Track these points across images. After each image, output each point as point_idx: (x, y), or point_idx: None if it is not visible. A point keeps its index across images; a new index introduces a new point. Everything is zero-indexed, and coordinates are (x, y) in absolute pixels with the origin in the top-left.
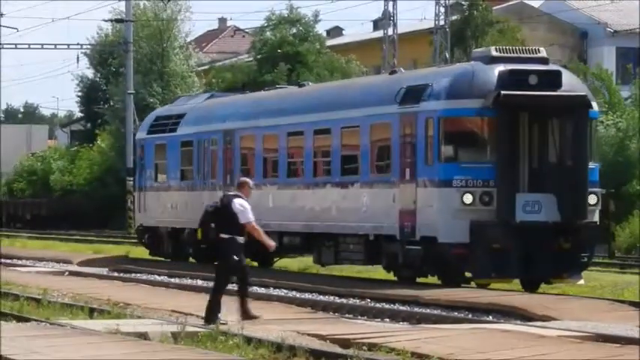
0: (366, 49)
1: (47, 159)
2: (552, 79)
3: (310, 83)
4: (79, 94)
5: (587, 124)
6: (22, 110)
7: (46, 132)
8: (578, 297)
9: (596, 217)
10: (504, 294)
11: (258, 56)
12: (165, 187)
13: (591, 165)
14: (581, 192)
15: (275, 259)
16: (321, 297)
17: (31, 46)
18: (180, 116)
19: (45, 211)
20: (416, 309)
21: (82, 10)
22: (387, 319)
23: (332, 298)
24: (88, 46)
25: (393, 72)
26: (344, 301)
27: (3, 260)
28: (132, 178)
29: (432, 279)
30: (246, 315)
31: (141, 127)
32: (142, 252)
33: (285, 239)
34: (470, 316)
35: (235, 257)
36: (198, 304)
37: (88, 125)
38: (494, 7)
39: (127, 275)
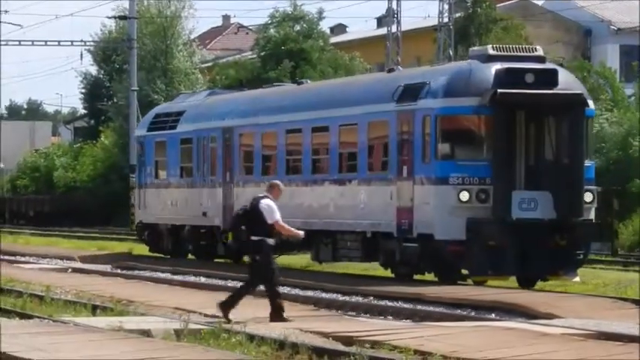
0: (370, 46)
1: (50, 155)
2: (549, 78)
3: (309, 81)
4: (83, 90)
5: (583, 122)
6: (25, 107)
7: (50, 128)
8: (581, 295)
9: (592, 215)
10: (507, 292)
11: (262, 53)
12: (165, 184)
13: (587, 163)
14: (577, 189)
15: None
16: (324, 294)
17: (35, 43)
18: (180, 113)
19: (48, 208)
20: (419, 306)
21: (86, 7)
22: (390, 317)
23: (335, 295)
24: (92, 43)
25: (390, 70)
26: (347, 298)
27: (7, 257)
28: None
29: (429, 276)
30: (276, 316)
31: (140, 124)
32: (145, 249)
33: (283, 236)
34: (473, 313)
35: (257, 258)
36: (201, 301)
37: (92, 122)
38: (498, 5)
39: (130, 272)
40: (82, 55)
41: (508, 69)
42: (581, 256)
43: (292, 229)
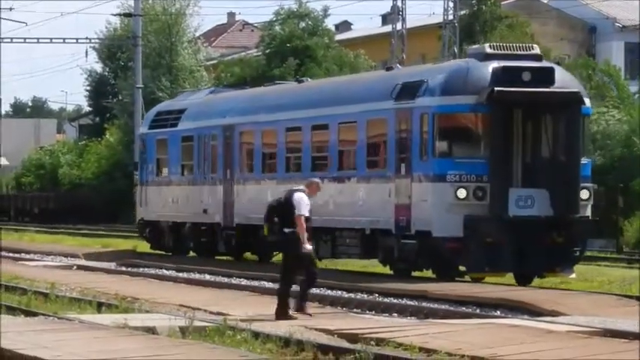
0: (375, 43)
1: (55, 153)
2: (545, 76)
3: (309, 79)
4: (88, 88)
5: (579, 120)
6: (30, 104)
7: (55, 126)
8: (586, 292)
9: (589, 212)
10: (512, 289)
11: (267, 51)
12: (167, 181)
13: (584, 160)
14: (573, 187)
15: (275, 254)
16: (329, 292)
17: (40, 41)
18: (182, 111)
19: (53, 205)
20: (424, 304)
21: (91, 5)
22: (395, 314)
23: (340, 292)
24: (97, 41)
25: (389, 68)
26: (352, 295)
27: (12, 254)
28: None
29: (427, 272)
30: (298, 308)
31: (143, 122)
32: (149, 246)
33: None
34: (478, 311)
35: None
36: (206, 298)
37: (97, 119)
38: (503, 3)
39: (135, 269)
40: (87, 52)
41: (505, 67)
42: (578, 253)
43: (306, 235)
